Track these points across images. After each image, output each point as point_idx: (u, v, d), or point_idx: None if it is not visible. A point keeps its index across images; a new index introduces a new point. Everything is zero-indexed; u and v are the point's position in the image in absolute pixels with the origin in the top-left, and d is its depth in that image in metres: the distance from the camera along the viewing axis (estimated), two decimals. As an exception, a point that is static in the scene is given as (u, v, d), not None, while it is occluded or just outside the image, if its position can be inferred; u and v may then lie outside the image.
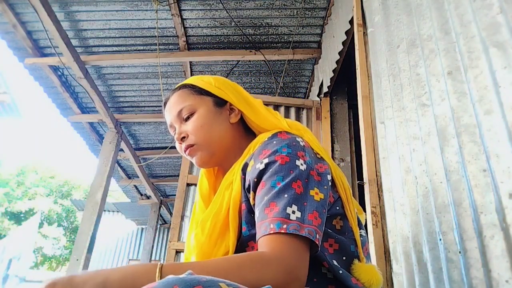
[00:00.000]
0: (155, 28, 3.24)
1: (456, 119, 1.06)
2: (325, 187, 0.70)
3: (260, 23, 3.27)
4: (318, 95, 3.27)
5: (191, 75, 3.79)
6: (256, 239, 0.65)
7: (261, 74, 3.95)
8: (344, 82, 3.26)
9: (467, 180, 0.98)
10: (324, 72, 3.16)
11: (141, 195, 7.25)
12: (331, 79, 2.94)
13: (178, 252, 2.77)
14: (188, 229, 0.88)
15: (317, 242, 0.62)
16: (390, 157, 1.48)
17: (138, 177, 5.94)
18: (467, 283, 0.92)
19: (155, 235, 7.30)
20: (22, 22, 3.20)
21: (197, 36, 3.42)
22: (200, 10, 3.12)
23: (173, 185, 6.85)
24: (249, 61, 3.72)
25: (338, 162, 2.98)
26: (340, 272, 0.67)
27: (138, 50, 3.57)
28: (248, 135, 0.87)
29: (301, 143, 0.74)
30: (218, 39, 3.45)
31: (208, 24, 3.27)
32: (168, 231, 10.82)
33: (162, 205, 7.55)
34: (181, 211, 2.91)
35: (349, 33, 2.43)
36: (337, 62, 2.75)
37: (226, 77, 2.84)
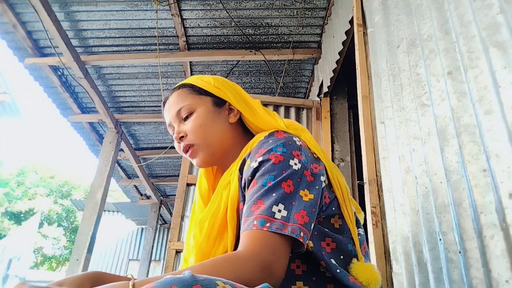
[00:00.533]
0: (155, 28, 3.24)
1: (456, 119, 1.06)
2: (317, 187, 0.70)
3: (260, 23, 3.27)
4: (318, 95, 3.27)
5: (191, 75, 3.79)
6: (240, 233, 0.66)
7: (261, 74, 3.95)
8: (344, 82, 3.26)
9: (467, 180, 0.98)
10: (324, 72, 3.15)
11: (141, 195, 7.25)
12: (331, 79, 2.94)
13: (178, 252, 2.77)
14: (187, 228, 0.88)
15: (301, 240, 0.62)
16: (390, 157, 1.48)
17: (138, 177, 5.94)
18: (467, 283, 0.92)
19: (155, 235, 7.30)
20: (22, 22, 3.20)
21: (197, 36, 3.42)
22: (200, 10, 3.12)
23: (173, 185, 6.86)
24: (249, 61, 3.72)
25: (338, 162, 2.98)
26: (338, 271, 0.67)
27: (138, 50, 3.57)
28: (246, 135, 0.87)
29: (298, 143, 0.74)
30: (218, 39, 3.45)
31: (208, 24, 3.27)
32: (168, 231, 10.82)
33: (162, 205, 7.55)
34: (181, 211, 2.92)
35: (349, 33, 2.43)
36: (337, 62, 2.75)
37: (226, 77, 2.85)
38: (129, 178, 6.44)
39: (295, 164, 0.70)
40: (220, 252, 0.72)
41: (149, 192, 6.61)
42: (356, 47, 1.93)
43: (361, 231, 0.80)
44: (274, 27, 3.31)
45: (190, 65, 3.74)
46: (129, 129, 5.03)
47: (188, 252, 0.80)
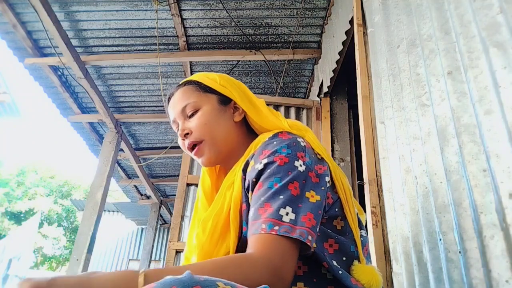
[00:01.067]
0: (155, 28, 3.24)
1: (456, 119, 1.06)
2: (323, 188, 0.70)
3: (260, 23, 3.27)
4: (318, 95, 3.27)
5: (191, 75, 3.79)
6: (248, 237, 0.66)
7: (261, 74, 3.95)
8: (344, 82, 3.26)
9: (467, 180, 0.98)
10: (324, 72, 3.15)
11: (141, 195, 7.25)
12: (331, 79, 2.94)
13: (178, 252, 2.77)
14: (189, 227, 0.88)
15: (308, 243, 0.62)
16: (390, 157, 1.48)
17: (138, 177, 5.94)
18: (467, 283, 0.92)
19: (155, 235, 7.31)
20: (22, 22, 3.20)
21: (197, 36, 3.42)
22: (200, 10, 3.12)
23: (173, 185, 6.86)
24: (249, 61, 3.72)
25: (338, 162, 2.98)
26: (340, 272, 0.67)
27: (138, 50, 3.57)
28: (250, 135, 0.87)
29: (302, 144, 0.74)
30: (218, 39, 3.45)
31: (208, 24, 3.27)
32: (168, 231, 10.82)
33: (162, 205, 7.55)
34: (181, 211, 2.91)
35: (349, 33, 2.43)
36: (337, 62, 2.75)
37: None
38: (129, 178, 6.45)
39: (300, 165, 0.69)
40: (222, 252, 0.72)
41: (149, 192, 6.61)
42: (356, 47, 1.93)
43: (364, 232, 0.79)
44: (274, 27, 3.31)
45: (190, 65, 3.74)
46: (129, 129, 5.03)
47: (190, 250, 0.80)
